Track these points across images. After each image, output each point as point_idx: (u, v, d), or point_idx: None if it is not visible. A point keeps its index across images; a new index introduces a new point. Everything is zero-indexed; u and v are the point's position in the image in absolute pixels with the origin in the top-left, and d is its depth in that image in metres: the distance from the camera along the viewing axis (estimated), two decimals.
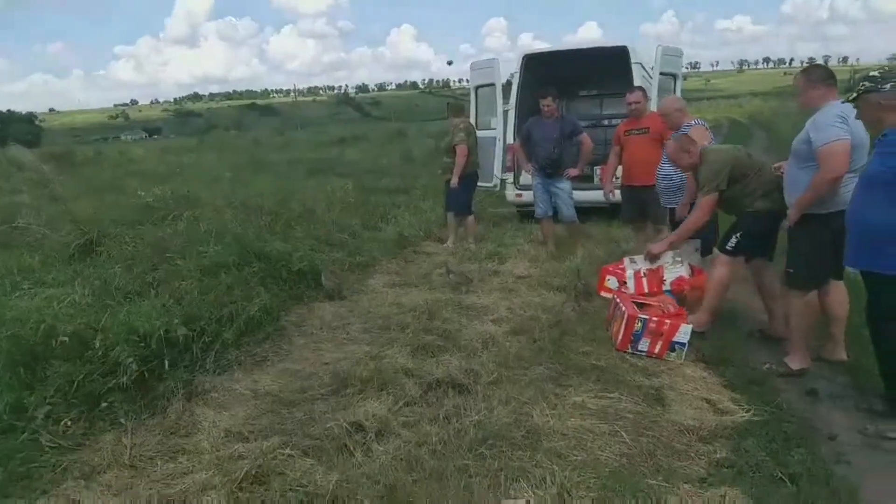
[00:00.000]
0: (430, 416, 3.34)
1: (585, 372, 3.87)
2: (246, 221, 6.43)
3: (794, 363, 3.93)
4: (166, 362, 3.66)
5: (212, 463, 2.96)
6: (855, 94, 3.10)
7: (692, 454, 3.03)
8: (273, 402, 3.59)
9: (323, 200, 9.32)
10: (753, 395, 3.59)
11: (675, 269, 4.84)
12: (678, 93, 8.96)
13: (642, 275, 5.06)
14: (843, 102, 3.44)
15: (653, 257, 4.86)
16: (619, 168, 6.48)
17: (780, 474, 2.82)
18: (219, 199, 8.82)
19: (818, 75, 3.73)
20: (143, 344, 3.62)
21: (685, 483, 2.79)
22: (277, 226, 6.73)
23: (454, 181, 7.31)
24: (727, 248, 4.28)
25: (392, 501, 2.66)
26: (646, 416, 3.36)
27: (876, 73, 3.06)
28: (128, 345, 3.53)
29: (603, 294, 5.42)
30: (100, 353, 3.51)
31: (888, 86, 2.97)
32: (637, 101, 6.03)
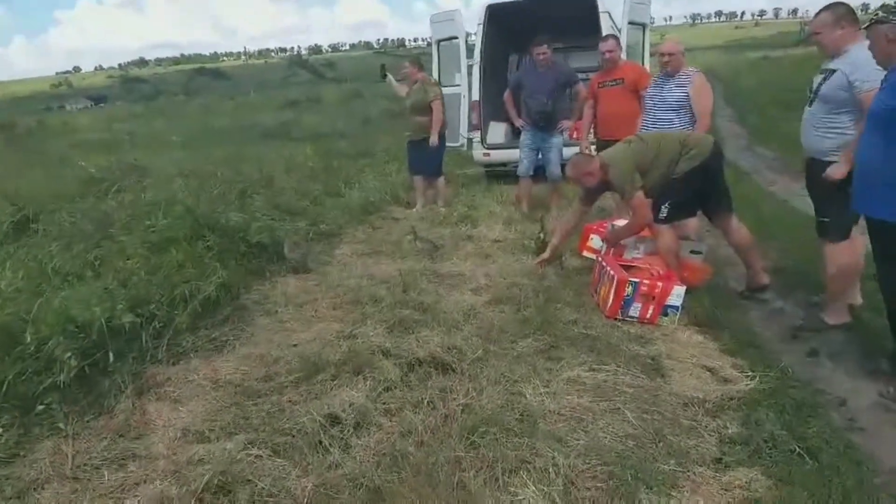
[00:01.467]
0: (414, 401, 3.02)
1: (576, 342, 3.59)
2: (198, 191, 5.92)
3: (833, 317, 3.77)
4: (111, 354, 3.22)
5: (168, 470, 2.60)
6: (867, 23, 2.84)
7: (702, 431, 2.79)
8: (236, 394, 3.21)
9: (281, 166, 8.82)
10: (754, 360, 3.39)
11: (632, 254, 4.60)
12: (647, 44, 8.64)
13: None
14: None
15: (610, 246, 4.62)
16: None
17: (797, 448, 2.59)
18: (167, 167, 8.28)
19: (843, 12, 3.46)
20: (82, 335, 3.17)
21: (699, 466, 2.54)
22: (232, 195, 6.22)
23: (434, 139, 6.95)
24: (660, 218, 4.19)
25: None
26: (646, 389, 3.10)
27: (891, 3, 2.78)
28: (65, 336, 3.08)
29: (586, 254, 5.16)
30: (32, 347, 3.06)
31: None
32: (610, 50, 5.71)
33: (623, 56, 6.26)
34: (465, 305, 4.15)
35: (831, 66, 3.54)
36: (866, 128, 2.96)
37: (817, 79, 3.66)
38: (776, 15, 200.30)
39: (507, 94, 6.90)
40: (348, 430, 2.78)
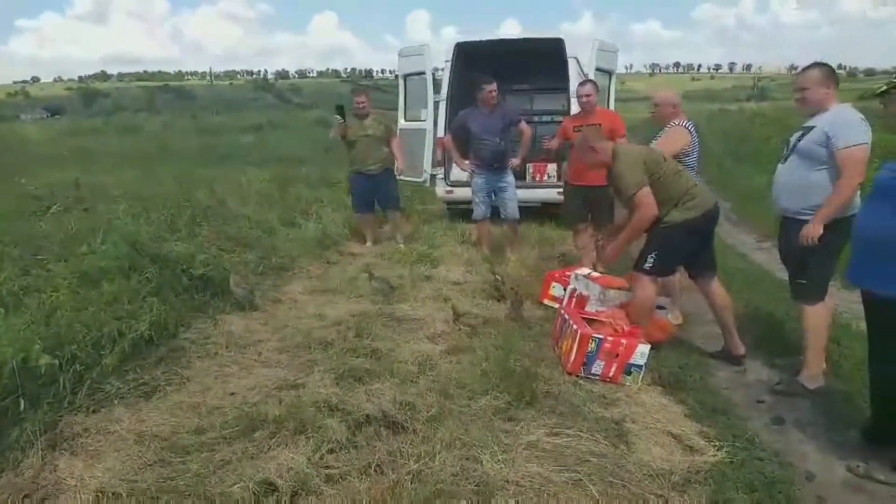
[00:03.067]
0: (360, 465, 2.75)
1: (537, 401, 3.37)
2: (143, 216, 5.58)
3: (811, 382, 3.65)
4: (22, 400, 2.88)
5: None
6: (885, 88, 2.74)
7: None
8: (162, 449, 2.89)
9: (236, 192, 8.50)
10: (721, 427, 3.24)
11: (595, 307, 4.42)
12: (612, 92, 8.68)
13: (574, 295, 4.66)
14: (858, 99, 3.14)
15: (608, 260, 4.39)
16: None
17: None
18: (116, 188, 7.88)
19: (829, 74, 3.46)
20: None
21: None
22: (181, 221, 5.89)
23: (401, 168, 6.98)
24: (644, 268, 3.99)
25: None
26: (610, 458, 2.90)
27: None
28: None
29: (547, 302, 5.01)
30: None
31: None
32: (588, 95, 5.60)
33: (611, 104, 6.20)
34: (421, 354, 3.93)
35: (811, 123, 3.51)
36: (872, 199, 2.82)
37: (795, 136, 3.61)
38: (730, 69, 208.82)
39: (447, 138, 6.67)
40: (285, 501, 2.49)
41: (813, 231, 3.40)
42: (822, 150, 3.39)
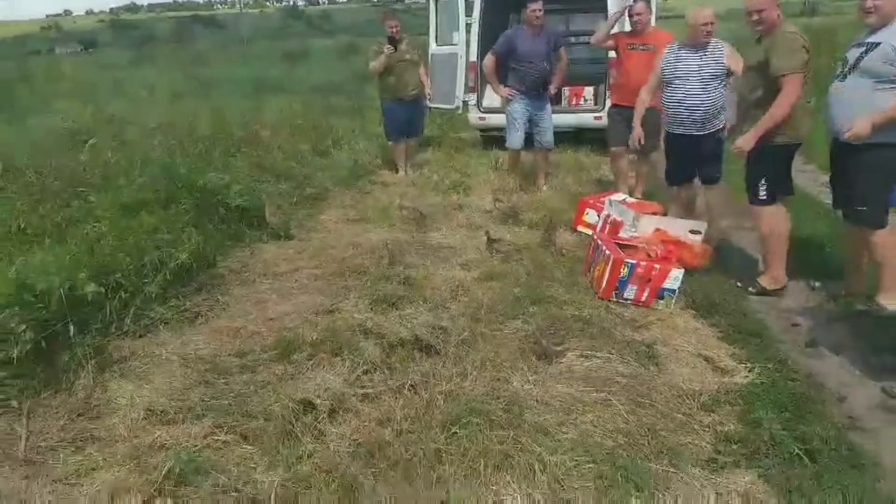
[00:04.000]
0: (394, 386, 2.84)
1: (568, 325, 3.41)
2: (177, 148, 5.65)
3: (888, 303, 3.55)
4: (71, 326, 3.02)
5: (127, 455, 2.42)
6: None
7: (696, 427, 2.63)
8: (206, 371, 3.02)
9: (268, 123, 8.50)
10: (753, 350, 3.23)
11: (629, 233, 4.35)
12: (654, 8, 8.28)
13: (608, 221, 4.61)
14: None
15: (739, 152, 3.92)
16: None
17: (797, 450, 2.44)
18: (150, 121, 7.95)
19: None
20: (41, 305, 2.96)
21: (693, 466, 2.39)
22: (215, 153, 5.95)
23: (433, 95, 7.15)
24: (761, 198, 3.84)
25: (349, 502, 2.19)
26: (640, 379, 2.94)
27: None
28: (21, 307, 2.87)
29: (580, 229, 4.99)
30: None
31: None
32: (640, 13, 5.34)
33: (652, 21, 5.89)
34: (454, 281, 3.97)
35: (873, 38, 3.28)
36: None
37: (854, 52, 3.39)
38: None
39: (489, 60, 6.23)
40: (322, 417, 2.61)
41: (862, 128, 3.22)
42: (891, 69, 3.18)
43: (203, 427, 2.56)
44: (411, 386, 2.83)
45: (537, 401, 2.75)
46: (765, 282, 3.97)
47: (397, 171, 7.09)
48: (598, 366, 3.03)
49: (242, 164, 5.91)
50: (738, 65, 4.31)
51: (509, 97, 6.08)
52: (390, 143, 7.18)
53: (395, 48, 6.54)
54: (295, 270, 4.21)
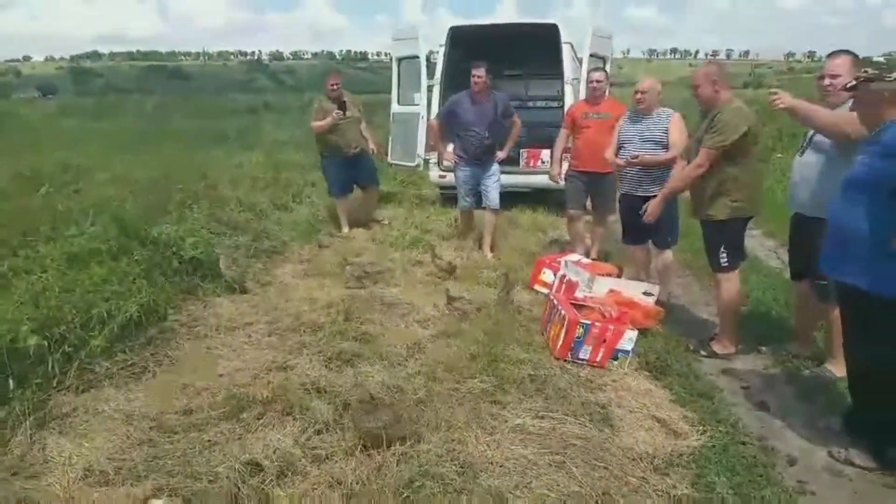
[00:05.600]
0: (346, 447, 2.77)
1: (524, 385, 3.40)
2: (134, 198, 5.56)
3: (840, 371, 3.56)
4: (11, 380, 2.88)
5: None
6: (854, 82, 2.70)
7: (650, 491, 2.63)
8: (150, 429, 2.91)
9: (228, 175, 8.46)
10: (705, 413, 3.28)
11: (584, 293, 4.43)
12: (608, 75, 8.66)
13: (564, 281, 4.69)
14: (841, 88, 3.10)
15: (649, 217, 4.26)
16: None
17: None
18: (108, 169, 7.84)
19: (859, 62, 3.29)
20: None
21: None
22: (171, 204, 5.87)
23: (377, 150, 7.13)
24: (722, 265, 3.94)
25: None
26: (594, 441, 2.93)
27: (881, 60, 2.67)
28: None
29: (537, 287, 5.03)
30: None
31: (894, 75, 2.57)
32: (599, 81, 5.57)
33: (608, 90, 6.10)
34: (411, 338, 3.94)
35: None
36: (846, 192, 2.79)
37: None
38: (728, 56, 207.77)
39: (434, 123, 6.26)
40: (270, 480, 2.52)
41: None
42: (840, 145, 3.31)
43: (144, 489, 2.46)
44: (363, 448, 2.76)
45: (492, 463, 2.71)
46: (716, 346, 4.07)
47: (341, 229, 6.96)
48: (553, 427, 3.02)
49: (199, 216, 5.83)
50: (677, 135, 4.54)
51: (453, 163, 6.08)
52: (336, 199, 7.09)
53: (345, 112, 6.54)
54: (248, 325, 4.13)
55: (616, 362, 3.74)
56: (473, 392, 3.30)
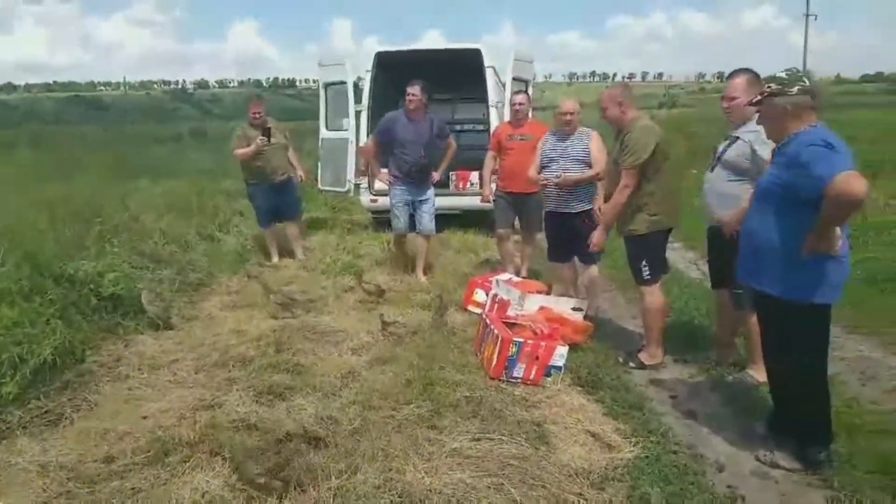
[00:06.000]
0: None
1: (460, 408, 3.39)
2: (47, 234, 5.29)
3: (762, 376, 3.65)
4: None
5: None
6: (759, 97, 2.85)
7: None
8: (68, 480, 2.74)
9: (151, 206, 8.16)
10: (637, 424, 3.35)
11: (516, 311, 4.50)
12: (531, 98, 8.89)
13: (496, 300, 4.76)
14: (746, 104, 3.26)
15: (596, 247, 4.36)
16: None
17: None
18: (20, 205, 7.42)
19: (758, 82, 3.43)
20: None
21: None
22: (90, 239, 5.60)
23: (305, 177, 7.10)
24: (644, 278, 4.07)
25: None
26: (531, 460, 2.94)
27: (783, 75, 2.82)
28: None
29: (470, 308, 5.07)
30: None
31: (795, 89, 2.73)
32: (521, 104, 5.72)
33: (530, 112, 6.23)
34: (345, 367, 3.89)
35: (736, 133, 3.60)
36: (757, 204, 2.93)
37: (721, 145, 3.72)
38: (643, 78, 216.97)
39: (369, 143, 6.22)
40: None
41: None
42: (747, 164, 3.48)
43: None
44: (297, 484, 2.68)
45: (431, 490, 2.68)
46: (644, 357, 4.18)
47: (271, 259, 6.82)
48: (490, 448, 3.01)
49: (120, 249, 5.60)
50: (598, 152, 4.72)
51: (388, 183, 6.06)
52: (264, 228, 6.90)
53: (269, 139, 6.41)
54: (173, 362, 3.97)
55: (550, 379, 3.79)
56: (410, 418, 3.26)
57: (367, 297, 5.23)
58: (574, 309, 4.48)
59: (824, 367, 2.96)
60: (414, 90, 5.78)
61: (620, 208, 4.01)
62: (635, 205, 3.96)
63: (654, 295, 4.09)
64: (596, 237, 4.27)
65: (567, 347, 3.84)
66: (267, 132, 6.42)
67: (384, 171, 6.18)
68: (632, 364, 4.16)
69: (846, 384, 3.82)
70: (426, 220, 6.09)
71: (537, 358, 3.77)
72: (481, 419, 3.28)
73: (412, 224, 6.16)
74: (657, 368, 4.16)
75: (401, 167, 5.95)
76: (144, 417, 3.27)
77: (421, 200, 6.08)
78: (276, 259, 6.79)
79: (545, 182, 4.83)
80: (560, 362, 3.80)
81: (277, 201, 6.72)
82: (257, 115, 6.57)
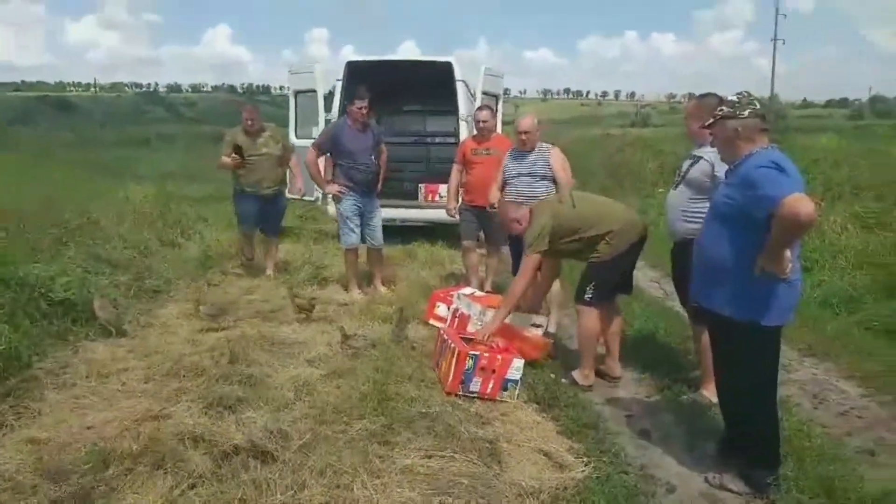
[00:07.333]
0: (224, 500, 2.62)
1: (414, 424, 3.35)
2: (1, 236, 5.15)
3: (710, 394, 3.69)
4: None
5: None
6: (711, 120, 2.91)
7: None
8: (6, 489, 2.64)
9: (113, 209, 8.01)
10: (590, 443, 3.36)
11: (476, 326, 4.50)
12: (499, 114, 8.95)
13: (457, 315, 4.77)
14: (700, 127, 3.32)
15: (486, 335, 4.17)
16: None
17: None
18: None
19: (715, 105, 3.31)
20: None
21: None
22: (45, 242, 5.47)
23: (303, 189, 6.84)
24: (585, 299, 4.07)
25: None
26: (483, 479, 2.91)
27: (734, 99, 2.88)
28: None
29: (432, 322, 5.04)
30: None
31: (746, 112, 2.79)
32: (485, 120, 5.76)
33: (498, 127, 6.26)
34: (299, 379, 3.82)
35: (698, 152, 3.68)
36: (710, 223, 2.97)
37: (686, 163, 3.80)
38: (616, 96, 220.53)
39: (312, 155, 5.97)
40: None
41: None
42: (708, 183, 3.54)
43: None
44: (242, 499, 2.62)
45: None
46: (576, 376, 4.18)
47: (247, 260, 6.58)
48: (441, 466, 2.98)
49: (76, 253, 5.47)
50: (561, 170, 4.82)
51: (339, 194, 5.89)
52: (242, 229, 6.56)
53: (242, 156, 6.07)
54: (123, 371, 3.87)
55: (507, 393, 3.78)
56: (362, 434, 3.21)
57: (296, 311, 5.09)
58: (534, 325, 4.48)
59: (773, 389, 3.00)
60: (364, 103, 5.73)
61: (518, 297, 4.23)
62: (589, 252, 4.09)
63: (589, 317, 4.10)
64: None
65: (523, 360, 3.83)
66: (238, 150, 6.05)
67: (334, 185, 5.95)
68: (564, 380, 4.15)
69: (799, 406, 3.86)
70: (378, 233, 6.05)
71: (494, 371, 3.75)
72: (435, 436, 3.24)
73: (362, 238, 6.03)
74: (615, 385, 4.18)
75: (353, 177, 5.84)
76: (88, 427, 3.17)
77: (370, 211, 5.99)
78: (249, 257, 6.54)
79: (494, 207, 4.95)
80: (517, 375, 3.78)
81: (261, 212, 6.37)
82: (251, 122, 6.19)
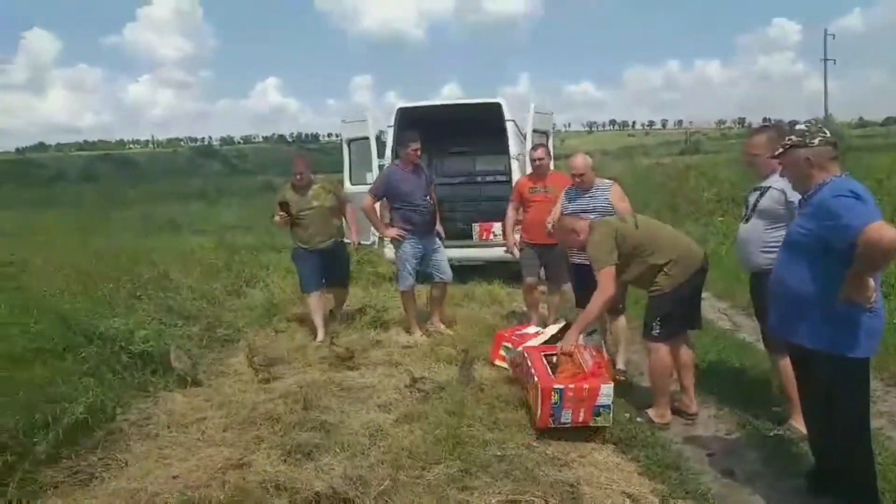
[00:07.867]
0: None
1: (491, 467, 3.33)
2: (79, 292, 5.39)
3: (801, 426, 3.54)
4: None
5: None
6: (781, 149, 2.88)
7: None
8: None
9: (179, 262, 8.31)
10: (674, 484, 3.25)
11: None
12: (550, 151, 8.99)
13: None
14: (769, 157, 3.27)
15: (566, 349, 4.11)
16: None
17: None
18: (52, 264, 7.61)
19: (778, 137, 3.40)
20: None
21: None
22: (120, 296, 5.70)
23: (358, 240, 6.53)
24: (653, 335, 3.99)
25: None
26: None
27: (803, 127, 2.84)
28: None
29: (498, 363, 4.99)
30: None
31: (816, 140, 2.75)
32: (541, 159, 5.77)
33: (551, 164, 6.29)
34: (372, 425, 3.84)
35: (766, 183, 3.63)
36: (786, 254, 2.92)
37: (753, 196, 3.73)
38: (664, 125, 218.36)
39: (369, 202, 5.94)
40: None
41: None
42: (782, 210, 3.50)
43: None
44: None
45: None
46: (653, 414, 4.07)
47: (316, 337, 5.94)
48: None
49: (149, 306, 5.68)
50: (622, 204, 4.82)
51: (399, 238, 5.87)
52: (307, 294, 6.12)
53: (288, 212, 5.86)
54: (202, 420, 3.96)
55: (600, 418, 3.71)
56: (440, 479, 3.19)
57: (334, 359, 5.08)
58: (589, 334, 4.38)
59: (866, 422, 2.87)
60: (417, 144, 5.82)
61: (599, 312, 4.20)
62: (650, 277, 4.00)
63: (659, 353, 4.01)
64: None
65: (611, 384, 3.74)
66: (286, 207, 5.89)
67: (393, 229, 5.94)
68: (639, 418, 4.05)
69: (890, 440, 3.68)
70: (446, 266, 6.03)
71: (583, 400, 3.68)
72: (514, 480, 3.21)
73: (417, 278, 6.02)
74: (693, 423, 4.06)
75: (411, 218, 5.85)
76: (174, 477, 3.24)
77: (434, 249, 6.00)
78: (321, 336, 5.87)
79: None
80: (607, 401, 3.70)
81: (322, 267, 6.08)
82: (300, 176, 5.97)
